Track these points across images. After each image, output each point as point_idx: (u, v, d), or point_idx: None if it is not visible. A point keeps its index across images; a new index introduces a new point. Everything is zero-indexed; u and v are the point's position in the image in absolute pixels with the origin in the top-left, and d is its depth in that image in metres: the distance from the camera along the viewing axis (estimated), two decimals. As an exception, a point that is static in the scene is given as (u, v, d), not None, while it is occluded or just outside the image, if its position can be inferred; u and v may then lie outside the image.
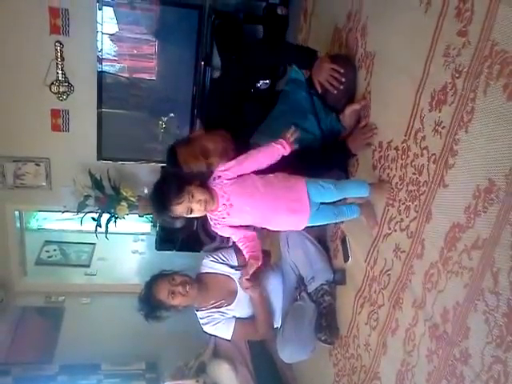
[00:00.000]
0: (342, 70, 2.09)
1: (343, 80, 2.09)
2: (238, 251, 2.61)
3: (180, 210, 1.78)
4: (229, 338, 2.49)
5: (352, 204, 2.01)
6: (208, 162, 2.14)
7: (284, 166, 1.92)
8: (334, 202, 1.95)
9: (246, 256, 2.04)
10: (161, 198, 1.78)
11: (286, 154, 1.86)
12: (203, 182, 1.85)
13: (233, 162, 1.87)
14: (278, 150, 1.84)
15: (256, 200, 1.84)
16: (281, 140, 1.83)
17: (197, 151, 2.17)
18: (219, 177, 1.86)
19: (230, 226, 1.95)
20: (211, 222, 1.94)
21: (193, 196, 1.76)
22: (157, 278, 2.37)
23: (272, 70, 2.52)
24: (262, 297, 2.44)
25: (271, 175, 1.89)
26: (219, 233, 2.00)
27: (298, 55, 2.31)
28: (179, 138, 2.35)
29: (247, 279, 2.18)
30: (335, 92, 2.12)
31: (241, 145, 2.16)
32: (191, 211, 1.79)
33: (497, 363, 1.30)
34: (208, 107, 2.68)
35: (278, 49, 2.37)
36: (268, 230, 2.03)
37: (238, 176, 1.86)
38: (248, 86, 2.44)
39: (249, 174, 1.88)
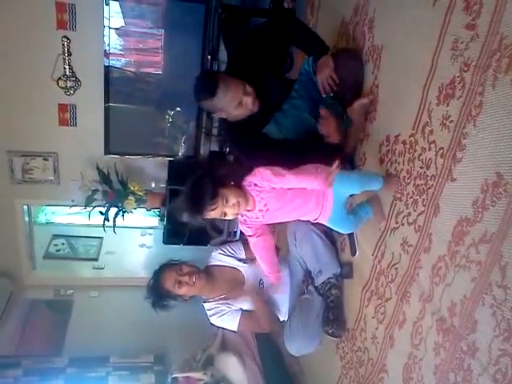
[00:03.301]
0: (337, 81, 2.12)
1: (336, 84, 2.14)
2: (245, 245, 2.63)
3: (214, 214, 1.75)
4: (235, 329, 2.52)
5: (365, 205, 2.02)
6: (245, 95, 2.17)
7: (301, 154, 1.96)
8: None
9: (265, 271, 2.18)
10: (194, 203, 1.73)
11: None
12: (238, 181, 1.81)
13: (270, 179, 1.79)
14: (315, 185, 1.78)
15: (291, 202, 1.85)
16: (324, 178, 1.74)
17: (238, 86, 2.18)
18: (255, 184, 1.81)
19: (257, 227, 1.98)
20: (241, 219, 1.92)
21: (227, 200, 1.73)
22: (165, 267, 2.41)
23: (280, 61, 2.50)
24: (261, 300, 2.50)
25: (298, 168, 1.87)
26: (243, 230, 2.01)
27: (311, 42, 2.30)
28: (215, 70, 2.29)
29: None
30: (326, 92, 2.17)
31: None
32: (225, 215, 1.77)
33: (504, 356, 1.31)
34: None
35: (297, 28, 2.34)
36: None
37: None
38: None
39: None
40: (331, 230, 2.11)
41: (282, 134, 2.28)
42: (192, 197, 1.75)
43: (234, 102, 2.17)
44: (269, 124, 2.28)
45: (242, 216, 1.91)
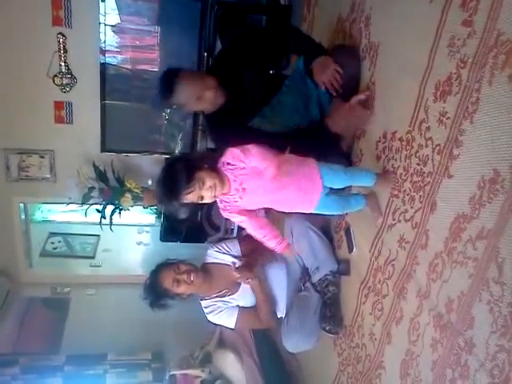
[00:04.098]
0: (341, 72, 2.11)
1: (341, 80, 2.12)
2: (241, 242, 2.63)
3: (191, 198, 1.72)
4: (232, 326, 2.52)
5: (358, 195, 2.02)
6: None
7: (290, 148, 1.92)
8: (338, 190, 1.95)
9: (272, 246, 2.01)
10: (170, 187, 1.70)
11: None
12: (212, 164, 1.78)
13: (239, 156, 1.76)
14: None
15: (269, 182, 1.79)
16: None
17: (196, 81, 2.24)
18: (228, 163, 1.78)
19: (239, 212, 1.90)
20: (220, 205, 1.88)
21: (203, 183, 1.70)
22: (162, 267, 2.39)
23: (276, 58, 2.49)
24: (263, 286, 2.46)
25: (286, 155, 1.86)
26: (227, 216, 1.94)
27: (305, 46, 2.29)
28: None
29: (243, 271, 2.30)
30: (334, 93, 2.15)
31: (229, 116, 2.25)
32: (202, 198, 1.74)
33: (501, 352, 1.31)
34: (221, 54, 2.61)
35: (292, 35, 2.33)
36: (277, 212, 2.01)
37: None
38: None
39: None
40: (318, 215, 2.07)
41: (267, 126, 2.25)
42: (167, 182, 1.72)
43: (193, 97, 2.19)
44: (255, 117, 2.27)
45: (221, 203, 1.87)
